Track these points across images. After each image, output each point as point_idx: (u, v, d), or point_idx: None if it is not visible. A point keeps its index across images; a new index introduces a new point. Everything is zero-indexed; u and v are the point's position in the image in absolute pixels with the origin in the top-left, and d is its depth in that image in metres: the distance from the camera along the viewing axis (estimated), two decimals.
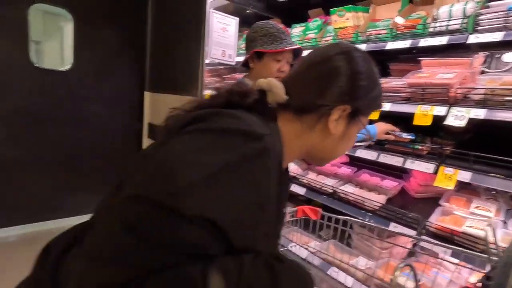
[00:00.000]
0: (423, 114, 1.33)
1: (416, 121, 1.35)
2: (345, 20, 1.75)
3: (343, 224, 1.13)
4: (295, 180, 1.95)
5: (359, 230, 1.53)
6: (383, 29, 1.57)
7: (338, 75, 0.55)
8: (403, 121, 1.48)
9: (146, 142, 2.82)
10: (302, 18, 2.28)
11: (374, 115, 1.52)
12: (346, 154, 1.82)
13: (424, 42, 1.41)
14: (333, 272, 1.36)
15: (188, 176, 0.36)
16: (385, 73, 1.79)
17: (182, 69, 2.39)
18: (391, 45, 1.53)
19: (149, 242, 0.33)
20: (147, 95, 2.83)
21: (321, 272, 1.33)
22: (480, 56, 1.37)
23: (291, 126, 0.57)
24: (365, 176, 1.84)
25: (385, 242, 1.41)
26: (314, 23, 2.05)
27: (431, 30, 1.40)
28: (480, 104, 1.21)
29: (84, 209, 2.65)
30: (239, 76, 2.61)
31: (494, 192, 1.45)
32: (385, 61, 1.78)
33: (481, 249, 1.15)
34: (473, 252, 0.84)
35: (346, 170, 1.95)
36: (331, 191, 1.73)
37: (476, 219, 1.27)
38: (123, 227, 0.34)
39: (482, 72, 1.42)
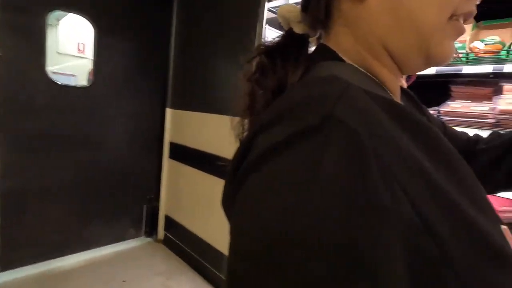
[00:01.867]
0: None
1: None
2: None
3: None
4: None
5: None
6: (460, 52, 1.55)
7: None
8: None
9: (166, 163, 2.56)
10: None
11: None
12: None
13: (508, 68, 1.40)
14: None
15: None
16: (448, 95, 1.77)
17: (221, 87, 2.20)
18: (468, 69, 1.50)
19: None
20: (169, 112, 2.60)
21: None
22: None
23: (343, 38, 0.37)
24: None
25: None
26: None
27: None
28: None
29: (95, 242, 2.32)
30: None
31: None
32: (447, 83, 1.76)
33: None
34: None
35: None
36: None
37: None
38: None
39: None
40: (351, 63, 0.37)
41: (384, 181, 0.23)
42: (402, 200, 0.22)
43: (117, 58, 2.21)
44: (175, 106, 2.53)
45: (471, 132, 1.44)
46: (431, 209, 0.23)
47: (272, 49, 0.41)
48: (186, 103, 2.44)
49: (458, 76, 1.57)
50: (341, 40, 0.37)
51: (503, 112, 1.36)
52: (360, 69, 0.36)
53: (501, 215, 1.33)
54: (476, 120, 1.45)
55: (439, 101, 1.71)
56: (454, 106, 1.56)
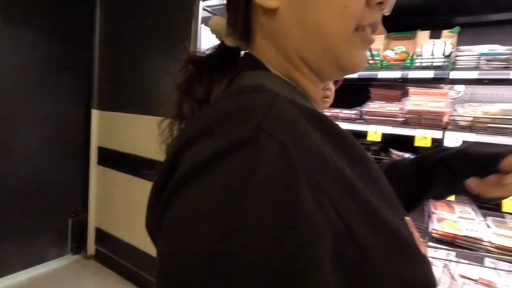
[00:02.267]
0: (422, 137, 1.54)
1: (417, 143, 1.55)
2: None
3: None
4: None
5: None
6: (371, 60, 1.75)
7: None
8: (400, 142, 1.68)
9: (95, 171, 2.32)
10: None
11: (376, 136, 1.67)
12: None
13: (412, 75, 1.64)
14: None
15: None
16: (367, 97, 2.00)
17: (154, 87, 2.09)
18: (382, 74, 1.72)
19: None
20: (95, 114, 2.36)
21: None
22: (454, 88, 1.69)
23: (266, 49, 0.38)
24: None
25: None
26: None
27: (417, 65, 1.65)
28: (467, 129, 1.49)
29: (7, 269, 2.00)
30: None
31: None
32: (367, 86, 1.99)
33: (480, 248, 1.41)
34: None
35: None
36: None
37: (466, 222, 1.54)
38: None
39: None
40: (275, 72, 0.38)
41: (313, 194, 0.24)
42: (330, 211, 0.24)
43: (26, 51, 1.90)
44: (102, 107, 2.29)
45: (386, 129, 1.65)
46: (353, 215, 0.25)
47: (201, 60, 0.41)
48: (115, 104, 2.24)
49: (375, 80, 1.77)
50: (265, 51, 0.38)
51: (409, 112, 1.60)
52: (284, 78, 0.38)
53: None
54: (389, 119, 1.66)
55: (361, 102, 1.92)
56: (373, 106, 1.76)
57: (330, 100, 1.15)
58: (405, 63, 1.68)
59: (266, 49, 0.38)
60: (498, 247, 1.40)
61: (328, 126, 0.30)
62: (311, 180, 0.24)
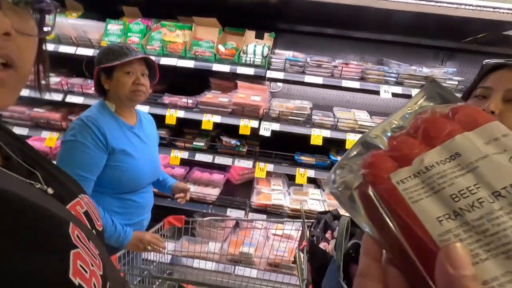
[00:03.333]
0: (245, 126, 1.81)
1: (241, 131, 1.81)
2: (175, 36, 1.88)
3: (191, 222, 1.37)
4: None
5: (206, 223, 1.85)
6: (207, 51, 1.87)
7: None
8: (231, 130, 1.91)
9: None
10: (115, 12, 2.10)
11: (209, 125, 1.84)
12: (184, 159, 2.01)
13: (239, 70, 1.86)
14: (196, 262, 1.61)
15: None
16: (208, 85, 2.14)
17: None
18: (216, 67, 1.87)
19: None
20: None
21: (189, 268, 1.54)
22: (270, 85, 2.02)
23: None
24: (198, 173, 2.15)
25: (222, 225, 1.83)
26: (136, 26, 1.99)
27: (243, 61, 1.88)
28: (276, 120, 1.84)
29: None
30: None
31: (279, 173, 2.25)
32: (207, 75, 2.12)
33: (284, 213, 1.84)
34: (290, 219, 1.40)
35: (180, 170, 2.17)
36: None
37: (276, 193, 1.96)
38: None
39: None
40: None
41: None
42: None
43: None
44: None
45: (218, 119, 1.82)
46: None
47: None
48: None
49: (210, 72, 1.91)
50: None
51: (235, 104, 1.82)
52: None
53: (242, 177, 1.79)
54: (220, 109, 1.85)
55: (201, 91, 2.04)
56: (208, 96, 1.91)
57: (144, 93, 1.18)
58: (234, 58, 1.88)
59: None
60: (292, 210, 1.86)
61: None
62: None
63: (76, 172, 1.00)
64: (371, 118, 1.95)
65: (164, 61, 1.84)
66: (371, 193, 0.20)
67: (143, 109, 1.86)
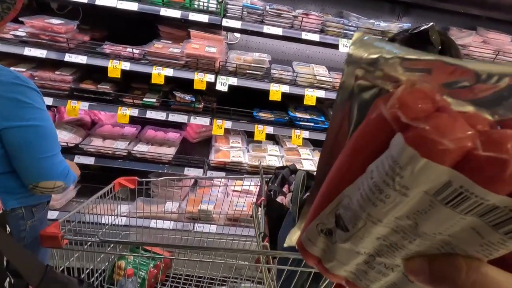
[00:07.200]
0: (199, 80, 1.68)
1: (196, 86, 1.68)
2: None
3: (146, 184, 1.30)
4: (77, 150, 1.75)
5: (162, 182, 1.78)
6: None
7: None
8: (185, 85, 1.77)
9: None
10: None
11: (160, 79, 1.67)
12: (134, 117, 1.84)
13: (192, 16, 1.67)
14: (153, 223, 1.57)
15: None
16: (156, 34, 1.90)
17: None
18: (164, 12, 1.65)
19: None
20: None
21: (145, 229, 1.49)
22: (227, 36, 1.87)
23: None
24: (151, 132, 2.02)
25: (179, 184, 1.79)
26: None
27: (195, 6, 1.68)
28: (233, 74, 1.74)
29: None
30: None
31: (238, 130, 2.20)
32: (154, 22, 1.88)
33: (244, 170, 1.83)
34: (249, 175, 1.40)
35: (131, 130, 2.00)
36: (125, 154, 1.78)
37: (235, 150, 1.93)
38: None
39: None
40: None
41: None
42: None
43: None
44: None
45: (169, 71, 1.66)
46: None
47: None
48: None
49: (158, 17, 1.68)
50: None
51: (188, 55, 1.66)
52: None
53: (199, 135, 1.72)
54: (172, 61, 1.68)
55: (148, 40, 1.81)
56: (157, 46, 1.71)
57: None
58: (185, 2, 1.67)
59: None
60: (251, 166, 1.87)
61: None
62: None
63: None
64: (329, 73, 1.94)
65: (101, 1, 1.57)
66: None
67: (80, 59, 1.62)
